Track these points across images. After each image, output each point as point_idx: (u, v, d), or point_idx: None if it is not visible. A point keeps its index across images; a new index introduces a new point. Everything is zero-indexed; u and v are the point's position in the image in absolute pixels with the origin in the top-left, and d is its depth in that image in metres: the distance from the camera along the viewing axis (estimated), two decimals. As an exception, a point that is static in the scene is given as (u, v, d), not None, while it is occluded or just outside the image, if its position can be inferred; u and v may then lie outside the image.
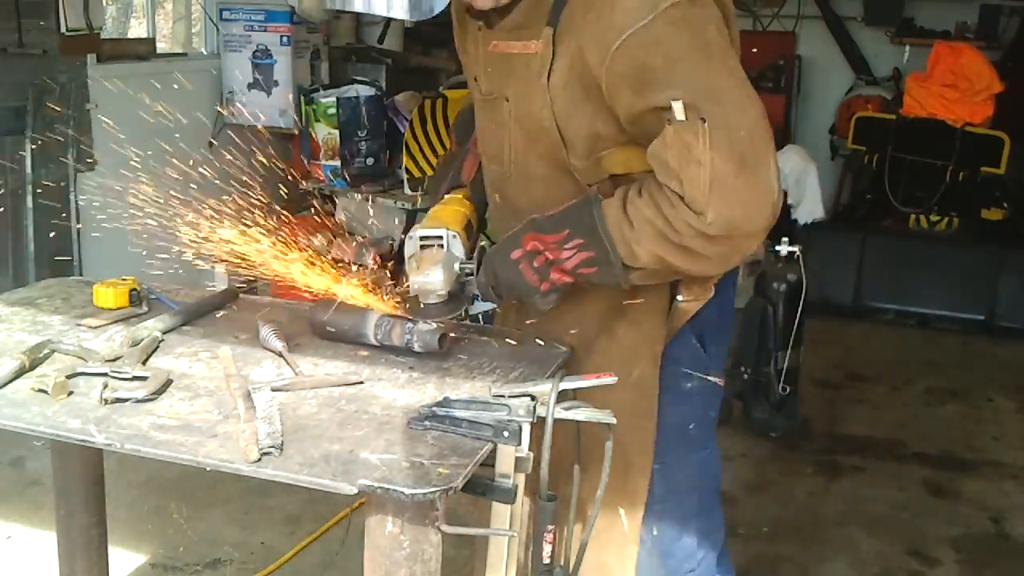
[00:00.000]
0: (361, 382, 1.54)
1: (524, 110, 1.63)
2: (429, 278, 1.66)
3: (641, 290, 1.67)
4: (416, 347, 1.63)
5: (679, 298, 1.74)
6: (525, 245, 1.61)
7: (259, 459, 1.28)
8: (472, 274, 1.70)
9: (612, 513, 1.73)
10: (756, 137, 1.45)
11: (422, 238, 1.70)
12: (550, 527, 1.46)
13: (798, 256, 3.95)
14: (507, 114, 1.67)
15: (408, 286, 1.69)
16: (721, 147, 1.43)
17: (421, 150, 4.71)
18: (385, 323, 1.66)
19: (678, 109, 1.43)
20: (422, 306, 1.69)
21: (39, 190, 4.27)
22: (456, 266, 1.70)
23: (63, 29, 4.30)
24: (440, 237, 1.70)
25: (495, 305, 1.76)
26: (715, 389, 1.80)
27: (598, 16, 1.48)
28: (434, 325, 1.64)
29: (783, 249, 3.97)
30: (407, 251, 1.72)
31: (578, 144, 1.61)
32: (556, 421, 1.39)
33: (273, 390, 1.48)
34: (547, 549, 1.47)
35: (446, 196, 1.87)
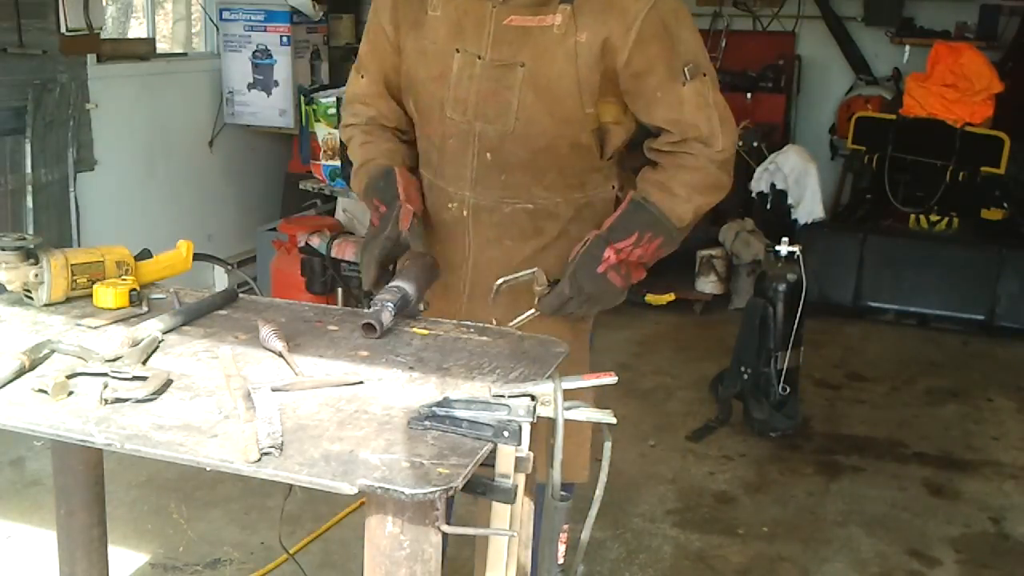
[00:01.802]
0: (361, 382, 1.54)
1: (542, 72, 1.90)
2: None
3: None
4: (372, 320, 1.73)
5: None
6: (608, 259, 1.91)
7: (259, 459, 1.28)
8: (551, 301, 1.94)
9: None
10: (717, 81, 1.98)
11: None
12: (564, 527, 1.45)
13: (798, 256, 3.95)
14: (519, 77, 1.91)
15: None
16: (717, 92, 1.94)
17: (421, 150, 4.71)
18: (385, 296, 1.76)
19: (689, 71, 1.89)
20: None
21: (39, 190, 4.27)
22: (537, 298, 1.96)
23: (63, 29, 4.30)
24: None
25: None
26: None
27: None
28: (392, 316, 1.74)
29: (783, 249, 3.97)
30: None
31: (587, 95, 1.91)
32: (548, 420, 1.39)
33: (273, 390, 1.48)
34: (561, 549, 1.46)
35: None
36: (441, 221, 2.07)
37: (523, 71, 1.91)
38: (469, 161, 2.00)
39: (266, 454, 1.29)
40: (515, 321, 1.92)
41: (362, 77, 2.12)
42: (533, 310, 1.95)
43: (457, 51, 1.96)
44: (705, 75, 1.91)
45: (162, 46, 5.77)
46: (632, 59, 1.87)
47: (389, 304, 1.74)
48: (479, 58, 1.94)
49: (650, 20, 1.85)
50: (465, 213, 2.03)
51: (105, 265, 1.90)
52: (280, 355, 1.63)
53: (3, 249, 1.78)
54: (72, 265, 1.84)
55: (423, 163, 2.11)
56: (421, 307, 1.84)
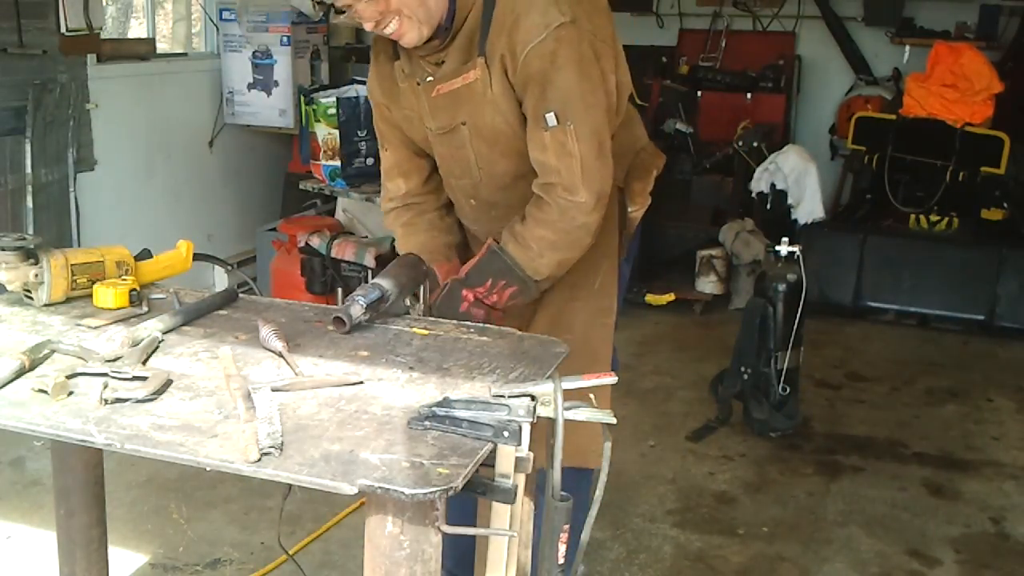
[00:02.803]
0: (361, 382, 1.54)
1: (480, 123, 2.03)
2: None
3: None
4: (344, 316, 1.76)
5: (629, 209, 2.26)
6: (467, 298, 2.05)
7: (259, 459, 1.28)
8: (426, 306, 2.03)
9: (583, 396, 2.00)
10: (603, 128, 1.99)
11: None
12: (565, 527, 1.45)
13: (798, 256, 3.95)
14: (466, 135, 2.06)
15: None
16: (585, 142, 1.94)
17: (421, 150, 4.71)
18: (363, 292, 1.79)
19: (550, 119, 1.92)
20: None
21: (39, 190, 4.27)
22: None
23: (63, 29, 4.30)
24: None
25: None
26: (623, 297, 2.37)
27: (508, 36, 1.92)
28: (363, 309, 1.77)
29: (783, 249, 3.97)
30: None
31: (524, 132, 2.01)
32: (548, 420, 1.39)
33: (273, 390, 1.48)
34: (562, 549, 1.46)
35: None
36: (463, 214, 2.32)
37: (466, 129, 2.05)
38: (463, 207, 2.28)
39: (266, 454, 1.29)
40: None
41: (386, 150, 2.30)
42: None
43: (423, 121, 2.15)
44: (570, 124, 1.92)
45: (162, 46, 5.77)
46: (522, 95, 1.98)
47: (360, 299, 1.77)
48: (430, 130, 2.13)
49: (528, 60, 1.91)
50: (474, 202, 2.23)
51: (105, 265, 1.90)
52: (280, 355, 1.63)
53: (3, 249, 1.78)
54: (72, 265, 1.84)
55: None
56: (407, 303, 1.86)
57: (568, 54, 1.91)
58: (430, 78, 2.06)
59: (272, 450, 1.29)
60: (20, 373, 1.52)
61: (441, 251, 2.26)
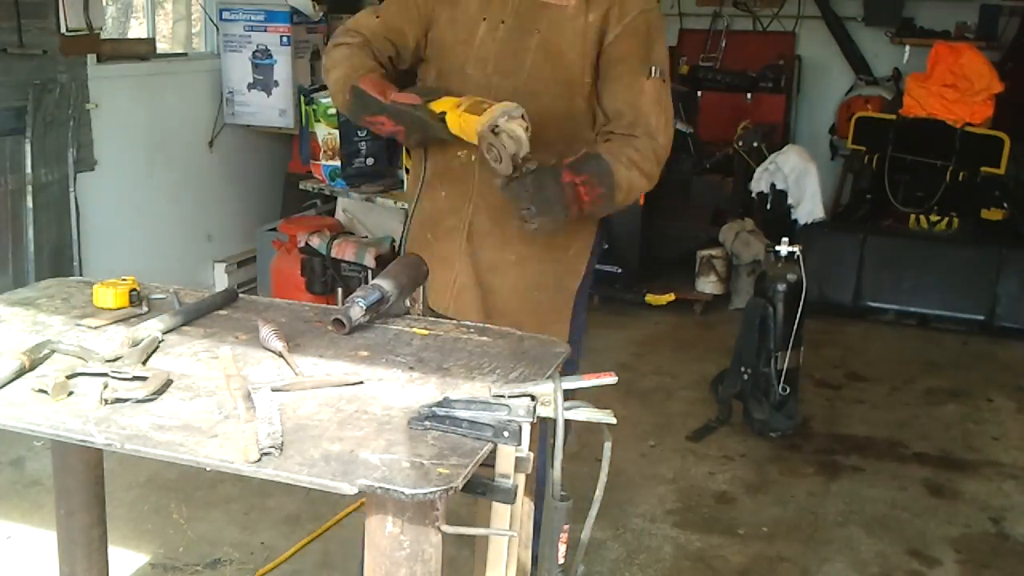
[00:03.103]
0: (361, 382, 1.54)
1: (554, 40, 2.18)
2: (517, 148, 1.97)
3: None
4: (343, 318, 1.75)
5: None
6: (566, 177, 2.06)
7: (259, 459, 1.28)
8: (532, 168, 2.01)
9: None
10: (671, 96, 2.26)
11: (504, 112, 2.00)
12: (565, 527, 1.46)
13: (798, 256, 3.95)
14: (534, 42, 2.19)
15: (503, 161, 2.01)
16: (670, 99, 2.22)
17: (421, 150, 4.71)
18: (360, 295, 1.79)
19: (657, 71, 2.18)
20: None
21: (39, 190, 4.27)
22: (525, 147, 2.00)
23: (63, 29, 4.30)
24: (522, 115, 2.01)
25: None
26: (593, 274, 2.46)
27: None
28: (363, 311, 1.77)
29: (783, 249, 3.97)
30: (500, 114, 1.98)
31: (588, 66, 2.19)
32: (549, 420, 1.39)
33: (273, 390, 1.48)
34: (562, 549, 1.46)
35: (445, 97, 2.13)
36: (449, 168, 2.29)
37: (538, 37, 2.19)
38: (451, 155, 2.25)
39: (266, 454, 1.29)
40: None
41: (377, 17, 2.30)
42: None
43: (484, 19, 2.23)
44: (665, 81, 2.20)
45: (162, 46, 5.77)
46: (616, 43, 2.17)
47: (360, 301, 1.76)
48: (502, 23, 2.21)
49: (639, 20, 2.18)
50: (473, 158, 2.22)
51: None
52: (280, 355, 1.63)
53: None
54: None
55: None
56: (407, 304, 1.86)
57: (662, 34, 2.25)
58: None
59: (272, 450, 1.29)
60: (20, 373, 1.52)
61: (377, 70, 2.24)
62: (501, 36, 2.22)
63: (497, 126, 1.97)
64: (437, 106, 2.07)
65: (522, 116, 2.00)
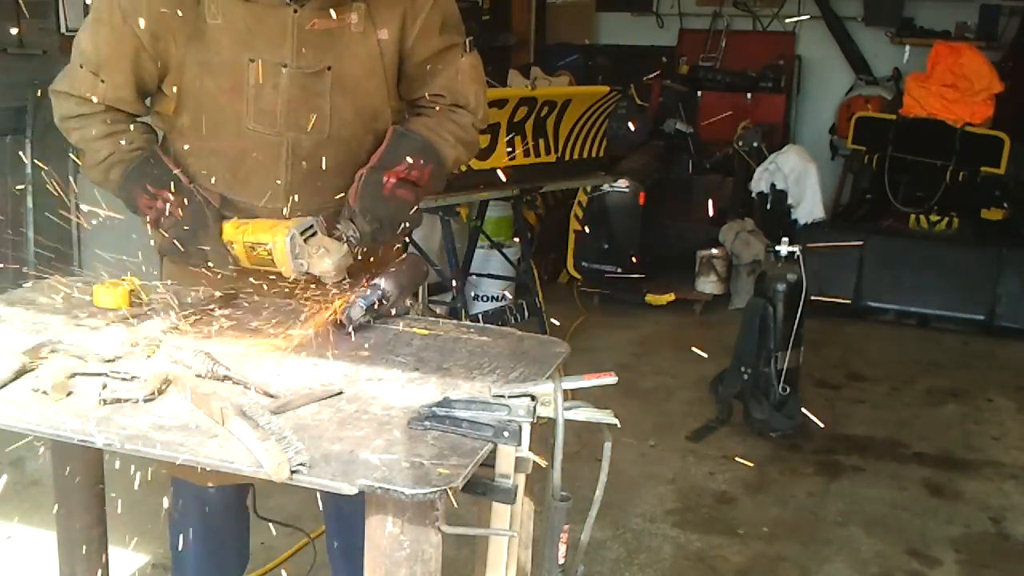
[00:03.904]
0: (340, 392, 1.50)
1: (348, 73, 1.94)
2: (336, 259, 1.85)
3: None
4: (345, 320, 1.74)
5: None
6: (388, 182, 1.93)
7: (290, 477, 1.25)
8: (356, 234, 1.91)
9: None
10: None
11: (302, 232, 1.86)
12: (565, 527, 1.45)
13: (798, 256, 3.95)
14: (327, 83, 1.93)
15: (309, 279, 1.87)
16: (481, 65, 2.12)
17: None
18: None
19: (467, 45, 2.07)
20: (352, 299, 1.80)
21: (39, 190, 4.27)
22: (344, 237, 1.91)
23: (63, 29, 4.30)
24: (312, 226, 1.88)
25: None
26: None
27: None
28: (363, 311, 1.76)
29: (783, 249, 3.97)
30: (290, 252, 1.84)
31: (391, 89, 2.02)
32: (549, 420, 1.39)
33: (273, 413, 1.43)
34: (562, 549, 1.46)
35: (233, 220, 1.95)
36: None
37: (329, 76, 1.92)
38: (282, 173, 1.96)
39: (295, 472, 1.26)
40: None
41: (103, 81, 1.95)
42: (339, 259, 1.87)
43: (251, 61, 1.88)
44: (473, 49, 2.10)
45: (162, 46, 5.77)
46: (418, 46, 2.00)
47: (360, 301, 1.76)
48: (284, 67, 1.89)
49: (433, 12, 1.99)
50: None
51: None
52: (243, 384, 1.53)
53: None
54: None
55: (204, 179, 1.99)
56: (408, 303, 1.86)
57: (453, 2, 2.08)
58: (304, 5, 1.88)
59: (302, 468, 1.27)
60: (20, 373, 1.52)
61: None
62: (285, 84, 1.90)
63: (301, 262, 1.84)
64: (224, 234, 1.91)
65: (311, 225, 1.86)
